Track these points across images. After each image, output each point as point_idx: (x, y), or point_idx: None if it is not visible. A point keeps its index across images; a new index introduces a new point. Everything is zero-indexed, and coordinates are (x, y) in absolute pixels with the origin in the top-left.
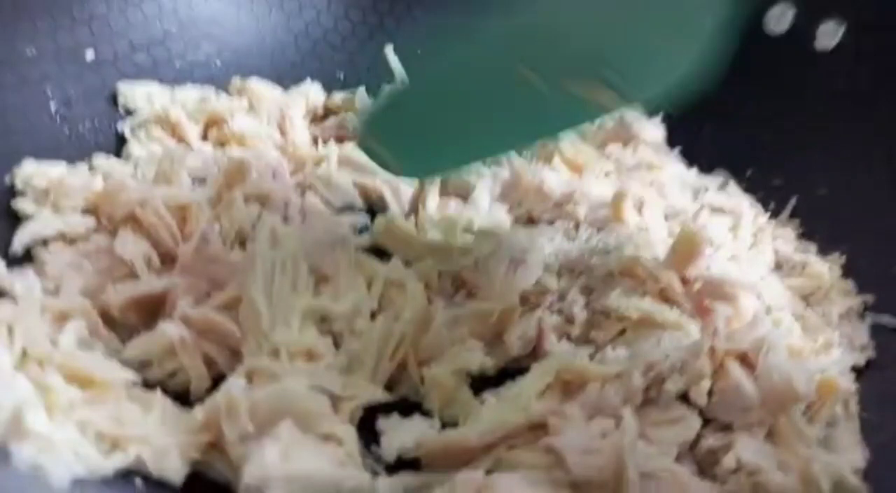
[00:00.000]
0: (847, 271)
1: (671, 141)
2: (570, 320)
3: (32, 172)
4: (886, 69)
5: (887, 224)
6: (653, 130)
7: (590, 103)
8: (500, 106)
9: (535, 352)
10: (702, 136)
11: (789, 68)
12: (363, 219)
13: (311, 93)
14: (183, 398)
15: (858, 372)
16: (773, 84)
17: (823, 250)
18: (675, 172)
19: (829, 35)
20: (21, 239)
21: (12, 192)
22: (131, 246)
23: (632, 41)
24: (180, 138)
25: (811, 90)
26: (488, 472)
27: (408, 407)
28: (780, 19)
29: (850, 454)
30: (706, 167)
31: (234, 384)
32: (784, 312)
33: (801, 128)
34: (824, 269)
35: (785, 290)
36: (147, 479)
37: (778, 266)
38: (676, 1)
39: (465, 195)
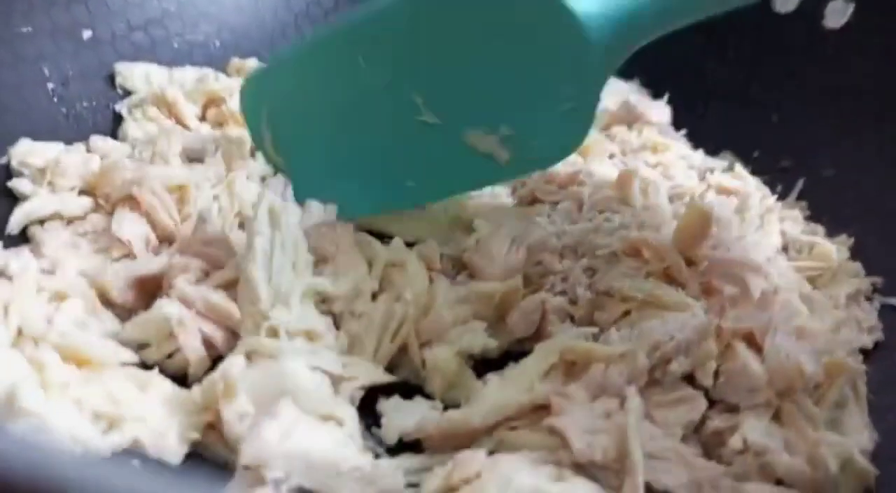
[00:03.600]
0: (854, 253)
1: (677, 123)
2: (573, 302)
3: (29, 152)
4: (889, 50)
5: (895, 206)
6: (658, 112)
7: (487, 161)
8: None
9: (538, 334)
10: (708, 118)
11: (797, 49)
12: None
13: None
14: (181, 380)
15: (866, 354)
16: (780, 65)
17: (830, 233)
18: (680, 153)
19: (837, 14)
20: (17, 219)
21: (8, 172)
22: (129, 226)
23: (531, 103)
24: (177, 119)
25: (818, 71)
26: (490, 453)
27: (409, 389)
28: None
29: (858, 436)
30: (712, 149)
31: (233, 363)
32: (792, 293)
33: (808, 109)
34: (832, 250)
35: (792, 271)
36: (145, 459)
37: (785, 248)
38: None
39: None
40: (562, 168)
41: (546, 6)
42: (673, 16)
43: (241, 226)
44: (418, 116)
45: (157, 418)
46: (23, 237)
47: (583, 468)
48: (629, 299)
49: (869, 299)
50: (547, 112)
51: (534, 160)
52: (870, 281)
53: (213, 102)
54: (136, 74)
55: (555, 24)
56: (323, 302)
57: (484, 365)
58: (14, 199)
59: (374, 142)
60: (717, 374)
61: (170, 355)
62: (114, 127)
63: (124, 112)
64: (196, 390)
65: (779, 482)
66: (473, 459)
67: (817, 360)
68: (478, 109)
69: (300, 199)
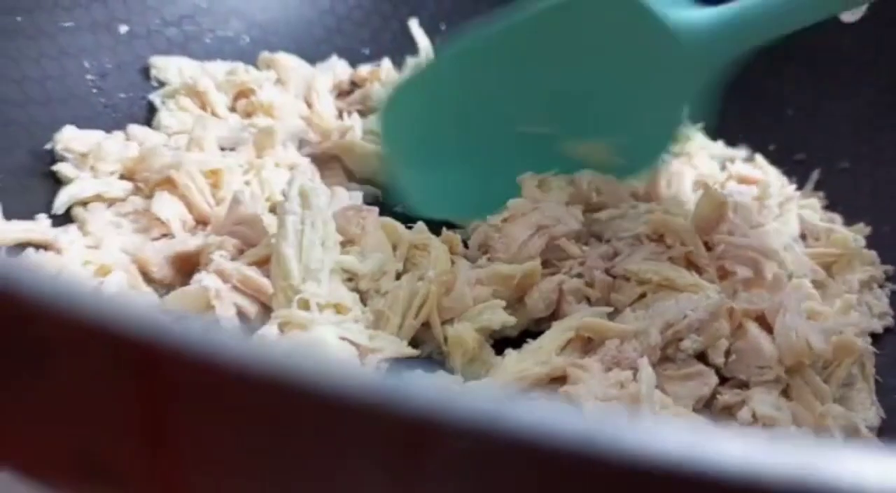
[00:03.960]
0: (870, 243)
1: (693, 117)
2: (590, 284)
3: (72, 138)
4: None
5: None
6: None
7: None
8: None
9: (555, 314)
10: (724, 112)
11: (813, 43)
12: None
13: (338, 68)
14: None
15: (876, 338)
16: (796, 59)
17: (847, 223)
18: (701, 143)
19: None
20: (62, 200)
21: (52, 157)
22: (167, 207)
23: (639, 111)
24: (208, 108)
25: (834, 65)
26: None
27: (431, 365)
28: None
29: (865, 412)
30: (729, 142)
31: (267, 332)
32: (805, 279)
33: (823, 102)
34: (848, 237)
35: (807, 258)
36: None
37: (803, 236)
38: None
39: None
40: None
41: (640, 16)
42: (771, 26)
43: (272, 210)
44: (532, 128)
45: None
46: (66, 218)
47: None
48: (645, 281)
49: (882, 286)
50: (651, 118)
51: (638, 164)
52: (883, 270)
53: (242, 93)
54: (171, 67)
55: (652, 34)
56: (350, 280)
57: (503, 343)
58: (58, 182)
59: (490, 152)
60: (728, 352)
61: None
62: (148, 116)
63: (158, 102)
64: None
65: None
66: None
67: (826, 339)
68: (591, 119)
69: (419, 211)
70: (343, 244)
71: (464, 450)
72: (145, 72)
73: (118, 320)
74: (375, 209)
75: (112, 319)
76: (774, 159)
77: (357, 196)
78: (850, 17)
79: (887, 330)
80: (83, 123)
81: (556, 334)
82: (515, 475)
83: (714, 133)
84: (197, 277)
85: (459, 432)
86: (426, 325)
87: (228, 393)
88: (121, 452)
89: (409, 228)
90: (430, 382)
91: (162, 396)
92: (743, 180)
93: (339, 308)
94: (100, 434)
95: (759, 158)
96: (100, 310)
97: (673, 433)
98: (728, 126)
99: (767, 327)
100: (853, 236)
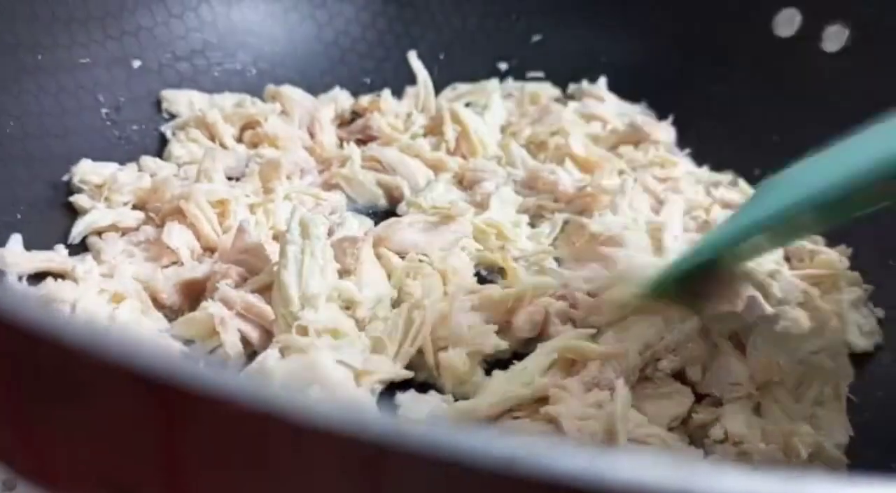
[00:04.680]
0: (852, 264)
1: (681, 143)
2: (573, 306)
3: (88, 171)
4: (886, 73)
5: (887, 221)
6: (664, 132)
7: None
8: None
9: (540, 335)
10: (711, 137)
11: (797, 71)
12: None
13: (340, 98)
14: None
15: (866, 356)
16: (781, 86)
17: (828, 244)
18: (687, 169)
19: (835, 38)
20: (79, 230)
21: (69, 188)
22: (177, 236)
23: None
24: (216, 139)
25: (819, 91)
26: None
27: (425, 386)
28: (787, 23)
29: (834, 430)
30: (715, 168)
31: (268, 356)
32: (791, 304)
33: (808, 128)
34: (835, 258)
35: (796, 280)
36: None
37: (787, 258)
38: None
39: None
40: (571, 184)
41: None
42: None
43: (275, 238)
44: None
45: None
46: (82, 246)
47: None
48: (625, 305)
49: (866, 305)
50: None
51: None
52: (866, 289)
53: (249, 124)
54: (181, 100)
55: None
56: (347, 308)
57: (494, 364)
58: (74, 212)
59: None
60: (704, 370)
61: (212, 351)
62: (160, 147)
63: (169, 134)
64: None
65: None
66: None
67: (796, 359)
68: None
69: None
70: (340, 274)
71: (417, 474)
72: (157, 105)
73: (142, 365)
74: (370, 239)
75: (136, 363)
76: (759, 184)
77: (367, 222)
78: (832, 46)
79: (878, 348)
80: (98, 154)
81: (540, 356)
82: None
83: (700, 158)
84: (203, 304)
85: (412, 456)
86: (419, 352)
87: (232, 426)
88: (141, 477)
89: (402, 257)
90: (386, 414)
91: (178, 429)
92: (727, 205)
93: (335, 334)
94: (124, 461)
95: (742, 183)
96: (127, 355)
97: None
98: (714, 152)
99: (741, 345)
100: (839, 257)
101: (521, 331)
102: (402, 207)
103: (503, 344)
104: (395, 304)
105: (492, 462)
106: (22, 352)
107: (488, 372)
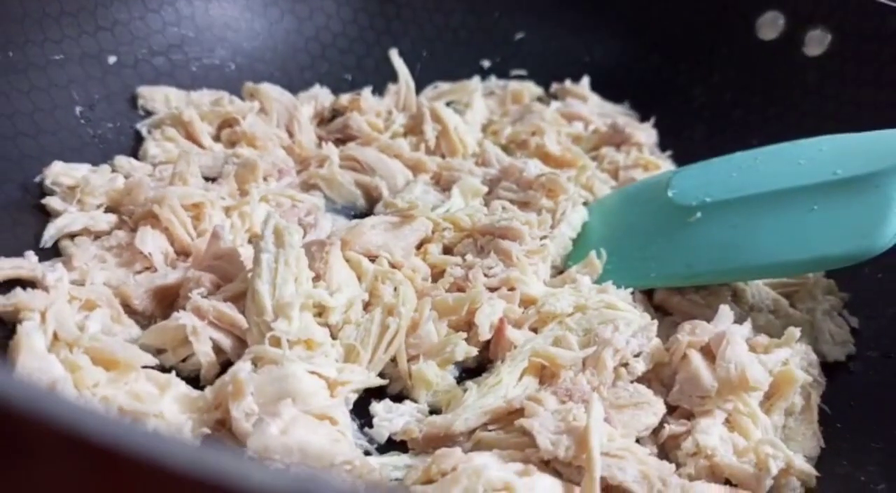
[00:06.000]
0: (827, 272)
1: (663, 145)
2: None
3: (60, 172)
4: (866, 78)
5: None
6: (646, 134)
7: None
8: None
9: (497, 339)
10: (692, 140)
11: (779, 76)
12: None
13: (320, 96)
14: (194, 382)
15: (838, 365)
16: (763, 89)
17: None
18: (668, 169)
19: (816, 42)
20: (50, 233)
21: (41, 190)
22: (150, 241)
23: None
24: (193, 138)
25: (799, 94)
26: (467, 451)
27: (399, 394)
28: (771, 26)
29: (805, 442)
30: None
31: (241, 368)
32: (762, 311)
33: (787, 133)
34: None
35: (768, 289)
36: None
37: None
38: None
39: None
40: (534, 172)
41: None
42: None
43: (251, 242)
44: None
45: (173, 414)
46: (54, 250)
47: (548, 465)
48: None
49: (840, 314)
50: None
51: None
52: (842, 297)
53: (226, 122)
54: (157, 97)
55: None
56: (319, 315)
57: (463, 371)
58: (46, 215)
59: (677, 246)
60: (672, 382)
61: (184, 360)
62: (135, 145)
63: (144, 132)
64: (208, 390)
65: (727, 481)
66: (451, 455)
67: (765, 370)
68: None
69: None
70: (313, 280)
71: None
72: (132, 101)
73: (85, 427)
74: (338, 243)
75: (79, 426)
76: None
77: (341, 221)
78: (813, 51)
79: (850, 357)
80: (71, 154)
81: (511, 366)
82: None
83: (681, 160)
84: (175, 315)
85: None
86: (393, 361)
87: (168, 485)
88: None
89: (373, 260)
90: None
91: (118, 488)
92: None
93: (309, 344)
94: None
95: None
96: (71, 419)
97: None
98: (695, 154)
99: (711, 356)
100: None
101: (483, 331)
102: (379, 208)
103: (473, 351)
104: (366, 307)
105: None
106: None
107: (458, 379)
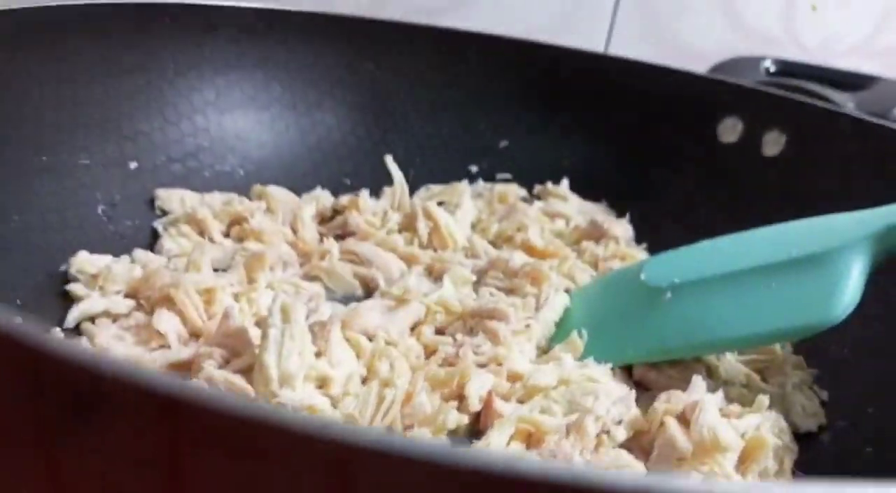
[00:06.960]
0: (795, 348)
1: (638, 238)
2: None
3: (84, 262)
4: (821, 173)
5: None
6: (622, 228)
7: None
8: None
9: (486, 410)
10: (663, 235)
11: (740, 173)
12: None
13: (321, 198)
14: None
15: (810, 436)
16: (727, 187)
17: None
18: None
19: (773, 143)
20: (74, 315)
21: (65, 278)
22: (166, 321)
23: None
24: (206, 234)
25: (759, 191)
26: None
27: None
28: (730, 130)
29: None
30: None
31: None
32: (735, 384)
33: (753, 223)
34: (776, 345)
35: (741, 365)
36: None
37: None
38: None
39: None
40: (519, 263)
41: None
42: None
43: (257, 324)
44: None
45: None
46: (76, 331)
47: None
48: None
49: (811, 388)
50: None
51: None
52: (811, 372)
53: (236, 220)
54: (174, 198)
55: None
56: (321, 387)
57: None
58: (70, 300)
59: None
60: (651, 449)
61: None
62: (152, 241)
63: (161, 229)
64: None
65: None
66: None
67: (736, 434)
68: None
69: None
70: (315, 355)
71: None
72: (151, 202)
73: (146, 382)
74: (338, 323)
75: (141, 381)
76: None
77: (339, 308)
78: (771, 151)
79: (821, 428)
80: (94, 247)
81: (499, 432)
82: None
83: (656, 252)
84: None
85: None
86: (391, 428)
87: (228, 435)
88: (144, 484)
89: (370, 339)
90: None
91: (180, 438)
92: None
93: (311, 410)
94: (129, 469)
95: None
96: (132, 375)
97: None
98: (668, 245)
99: (686, 423)
100: (780, 343)
101: (473, 402)
102: (376, 297)
103: (464, 418)
104: (364, 381)
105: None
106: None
107: None
